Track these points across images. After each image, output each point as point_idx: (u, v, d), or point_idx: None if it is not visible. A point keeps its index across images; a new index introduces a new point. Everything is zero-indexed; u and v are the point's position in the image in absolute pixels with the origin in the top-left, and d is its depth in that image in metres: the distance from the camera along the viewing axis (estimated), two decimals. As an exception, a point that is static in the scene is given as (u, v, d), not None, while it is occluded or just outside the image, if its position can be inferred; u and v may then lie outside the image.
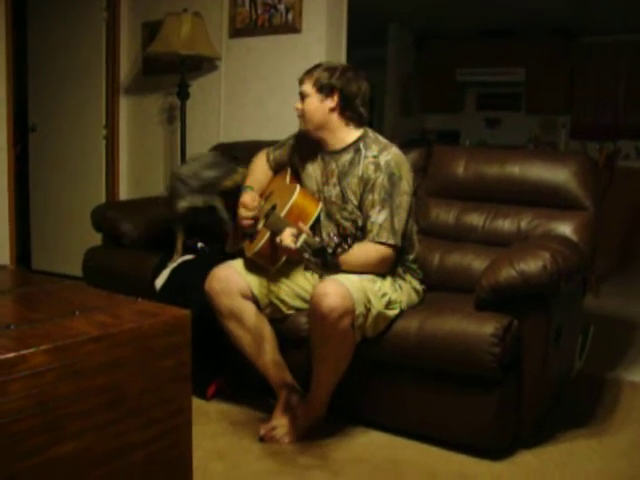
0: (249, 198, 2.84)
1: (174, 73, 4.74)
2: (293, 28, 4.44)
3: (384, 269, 2.67)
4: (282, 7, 4.45)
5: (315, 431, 2.68)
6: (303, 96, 2.75)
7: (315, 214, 2.75)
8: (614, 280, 6.02)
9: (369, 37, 7.40)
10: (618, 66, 7.86)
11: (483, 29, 8.15)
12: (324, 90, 2.71)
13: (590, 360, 3.42)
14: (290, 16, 4.43)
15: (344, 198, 2.73)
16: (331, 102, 2.71)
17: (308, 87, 2.73)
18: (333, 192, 2.76)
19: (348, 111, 2.74)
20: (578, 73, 8.09)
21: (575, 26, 7.71)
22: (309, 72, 2.76)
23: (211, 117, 4.91)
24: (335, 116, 2.74)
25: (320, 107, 2.72)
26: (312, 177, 2.85)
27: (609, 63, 7.89)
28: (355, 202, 2.71)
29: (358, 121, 2.78)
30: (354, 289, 2.46)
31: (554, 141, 8.32)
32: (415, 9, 7.46)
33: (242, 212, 2.84)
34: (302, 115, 2.77)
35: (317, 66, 2.78)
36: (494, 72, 8.36)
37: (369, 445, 2.65)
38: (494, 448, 2.55)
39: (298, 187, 2.78)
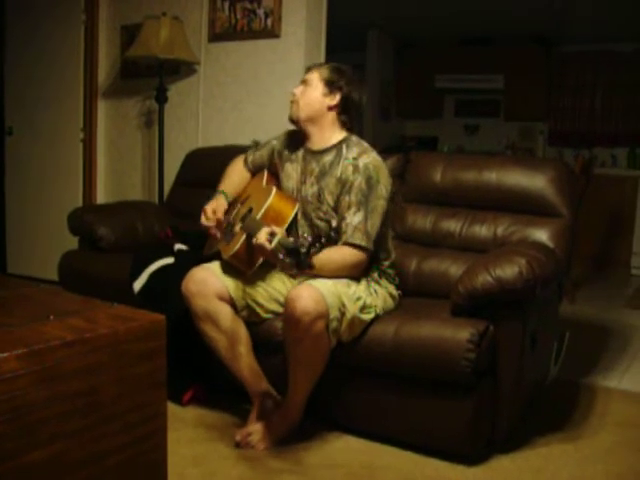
0: (210, 208, 2.86)
1: (152, 77, 4.73)
2: (272, 33, 4.44)
3: (356, 273, 2.68)
4: (261, 12, 4.46)
5: (291, 436, 2.68)
6: (306, 83, 2.78)
7: (291, 216, 2.76)
8: (590, 286, 6.07)
9: (349, 43, 7.42)
10: (595, 75, 7.93)
11: (462, 36, 8.19)
12: (331, 86, 2.76)
13: (565, 366, 3.45)
14: (269, 21, 4.43)
15: (320, 198, 2.74)
16: (332, 100, 2.77)
17: (315, 77, 2.78)
18: (310, 191, 2.78)
19: (344, 115, 2.80)
20: (556, 81, 8.16)
21: (553, 35, 7.77)
22: (319, 66, 2.83)
23: (189, 121, 4.90)
24: (330, 115, 2.79)
25: (320, 100, 2.77)
26: (291, 177, 2.86)
27: (586, 72, 7.96)
28: (331, 203, 2.72)
29: (348, 127, 2.83)
30: (328, 293, 2.46)
31: (532, 148, 8.38)
32: (395, 16, 7.48)
33: (202, 220, 2.86)
34: (297, 101, 2.79)
35: (327, 64, 2.85)
36: (473, 79, 8.39)
37: (345, 450, 2.65)
38: (470, 453, 2.56)
39: (274, 189, 2.78)
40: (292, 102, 2.81)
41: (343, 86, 2.76)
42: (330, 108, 2.77)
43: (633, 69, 7.65)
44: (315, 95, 2.76)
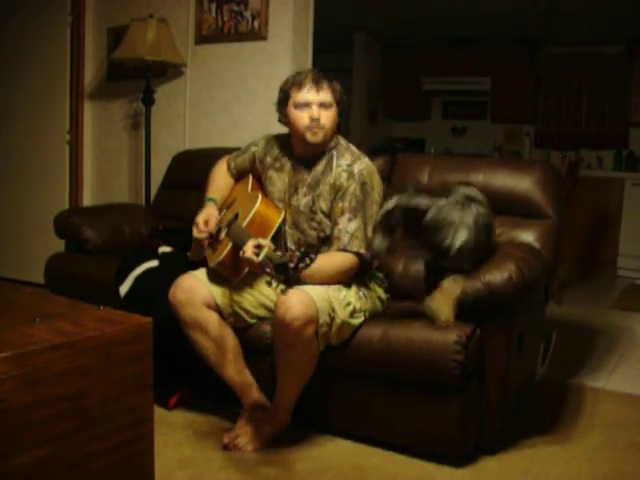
0: (202, 220, 2.80)
1: (139, 79, 4.71)
2: (259, 35, 4.44)
3: (348, 279, 2.68)
4: (248, 14, 4.45)
5: (279, 439, 2.68)
6: (325, 107, 2.69)
7: (277, 223, 2.75)
8: (577, 287, 6.09)
9: (336, 45, 7.42)
10: (581, 77, 7.96)
11: (449, 38, 8.22)
12: (340, 104, 2.73)
13: (553, 366, 3.46)
14: (256, 23, 4.43)
15: (313, 208, 2.73)
16: (338, 116, 2.74)
17: (330, 97, 2.69)
18: (302, 201, 2.77)
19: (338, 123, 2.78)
20: (542, 83, 8.19)
21: (540, 37, 7.80)
22: (323, 80, 2.69)
23: (176, 123, 4.89)
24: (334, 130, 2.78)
25: (336, 121, 2.74)
26: (276, 185, 2.85)
27: (572, 74, 8.00)
28: (325, 209, 2.72)
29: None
30: (318, 298, 2.45)
31: (519, 150, 8.40)
32: (382, 18, 7.50)
33: (194, 232, 2.81)
34: (324, 127, 2.69)
35: (324, 75, 2.72)
36: (460, 81, 8.41)
37: (334, 453, 2.65)
38: (457, 455, 2.57)
39: (260, 196, 2.77)
40: (318, 128, 2.67)
41: (344, 100, 2.75)
42: (337, 124, 2.76)
43: (619, 71, 7.69)
44: (335, 118, 2.73)
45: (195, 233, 2.80)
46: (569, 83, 8.04)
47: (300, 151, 2.81)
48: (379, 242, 2.54)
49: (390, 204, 2.55)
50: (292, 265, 2.20)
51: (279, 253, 2.29)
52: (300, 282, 2.32)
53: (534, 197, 3.09)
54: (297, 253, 2.21)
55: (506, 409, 2.74)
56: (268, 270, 2.26)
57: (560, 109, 8.14)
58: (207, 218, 2.81)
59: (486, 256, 2.61)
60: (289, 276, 2.22)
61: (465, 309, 2.53)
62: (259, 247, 2.35)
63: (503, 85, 8.15)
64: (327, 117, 2.68)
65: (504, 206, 3.14)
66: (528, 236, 3.03)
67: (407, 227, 2.51)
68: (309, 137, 2.69)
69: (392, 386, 2.62)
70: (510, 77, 8.10)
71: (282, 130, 2.94)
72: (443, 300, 2.50)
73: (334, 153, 2.76)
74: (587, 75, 7.93)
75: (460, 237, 2.50)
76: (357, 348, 2.61)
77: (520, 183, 3.13)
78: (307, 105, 2.67)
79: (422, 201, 2.54)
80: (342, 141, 2.82)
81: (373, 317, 2.72)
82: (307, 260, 2.22)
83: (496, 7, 6.60)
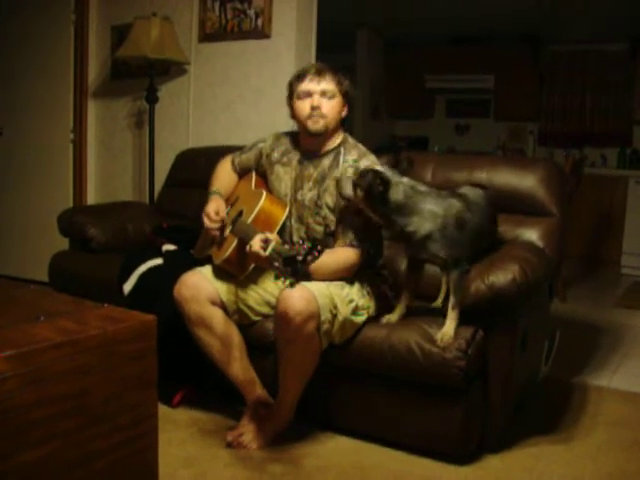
0: (213, 210, 2.78)
1: (143, 77, 4.71)
2: (262, 34, 4.43)
3: (351, 274, 2.68)
4: (252, 13, 4.45)
5: (283, 436, 2.68)
6: (327, 95, 2.70)
7: (282, 219, 2.75)
8: (581, 285, 6.08)
9: (338, 43, 7.41)
10: (584, 75, 7.95)
11: (452, 36, 8.20)
12: (346, 97, 2.75)
13: (556, 365, 3.45)
14: (260, 22, 4.43)
15: (318, 202, 2.73)
16: (345, 111, 2.77)
17: (332, 86, 2.70)
18: (307, 196, 2.76)
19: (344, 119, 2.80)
20: (546, 81, 8.18)
21: (543, 34, 7.79)
22: (326, 71, 2.72)
23: (180, 121, 4.89)
24: (339, 121, 2.78)
25: (339, 112, 2.75)
26: (282, 180, 2.85)
27: (576, 72, 7.98)
28: (331, 204, 2.72)
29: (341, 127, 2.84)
30: (320, 294, 2.45)
31: (522, 148, 8.39)
32: (384, 16, 7.49)
33: (206, 223, 2.78)
34: (325, 116, 2.70)
35: (328, 67, 2.75)
36: (463, 79, 8.40)
37: (337, 451, 2.65)
38: (460, 454, 2.57)
39: (264, 193, 2.77)
40: (318, 116, 2.69)
41: (350, 93, 2.76)
42: (342, 118, 2.78)
43: (623, 69, 7.68)
44: (339, 109, 2.74)
45: (207, 223, 2.77)
46: (573, 81, 8.03)
47: (306, 144, 2.81)
48: (347, 190, 2.55)
49: (371, 166, 2.60)
50: (300, 258, 2.20)
51: (287, 246, 2.29)
52: (308, 275, 2.31)
53: (538, 195, 3.09)
54: (304, 246, 2.21)
55: (509, 408, 2.73)
56: (276, 264, 2.25)
57: (564, 107, 8.13)
58: (217, 209, 2.79)
59: (470, 249, 2.63)
60: (297, 269, 2.21)
61: (468, 311, 2.53)
62: (266, 241, 2.35)
63: (506, 83, 8.14)
64: (329, 106, 2.70)
65: (507, 204, 3.13)
66: (532, 234, 3.02)
67: (371, 196, 2.51)
68: (310, 125, 2.71)
69: (394, 386, 2.62)
70: (513, 75, 8.09)
71: (287, 128, 2.94)
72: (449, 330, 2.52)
73: (342, 150, 2.77)
74: (591, 73, 7.92)
75: (425, 226, 2.51)
76: (360, 347, 2.61)
77: (524, 181, 3.12)
78: (308, 94, 2.69)
79: (403, 180, 2.59)
80: (350, 139, 2.83)
81: (377, 316, 2.72)
82: (315, 253, 2.21)
83: (499, 6, 6.59)
